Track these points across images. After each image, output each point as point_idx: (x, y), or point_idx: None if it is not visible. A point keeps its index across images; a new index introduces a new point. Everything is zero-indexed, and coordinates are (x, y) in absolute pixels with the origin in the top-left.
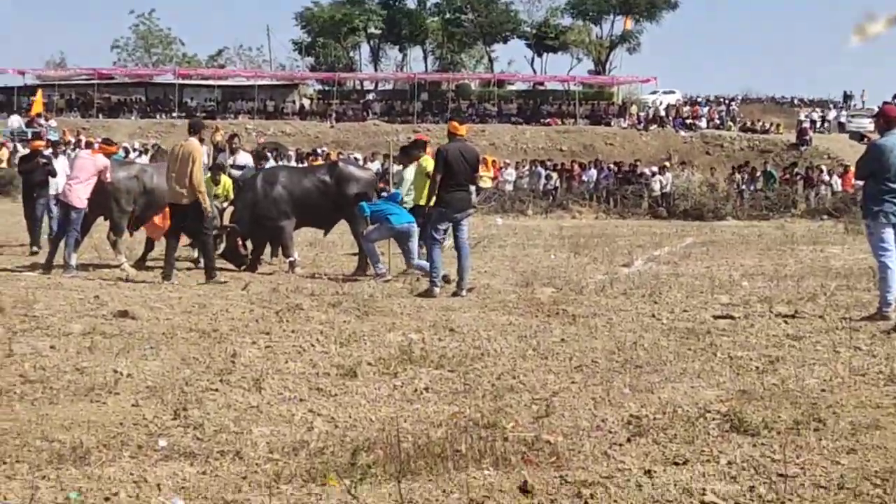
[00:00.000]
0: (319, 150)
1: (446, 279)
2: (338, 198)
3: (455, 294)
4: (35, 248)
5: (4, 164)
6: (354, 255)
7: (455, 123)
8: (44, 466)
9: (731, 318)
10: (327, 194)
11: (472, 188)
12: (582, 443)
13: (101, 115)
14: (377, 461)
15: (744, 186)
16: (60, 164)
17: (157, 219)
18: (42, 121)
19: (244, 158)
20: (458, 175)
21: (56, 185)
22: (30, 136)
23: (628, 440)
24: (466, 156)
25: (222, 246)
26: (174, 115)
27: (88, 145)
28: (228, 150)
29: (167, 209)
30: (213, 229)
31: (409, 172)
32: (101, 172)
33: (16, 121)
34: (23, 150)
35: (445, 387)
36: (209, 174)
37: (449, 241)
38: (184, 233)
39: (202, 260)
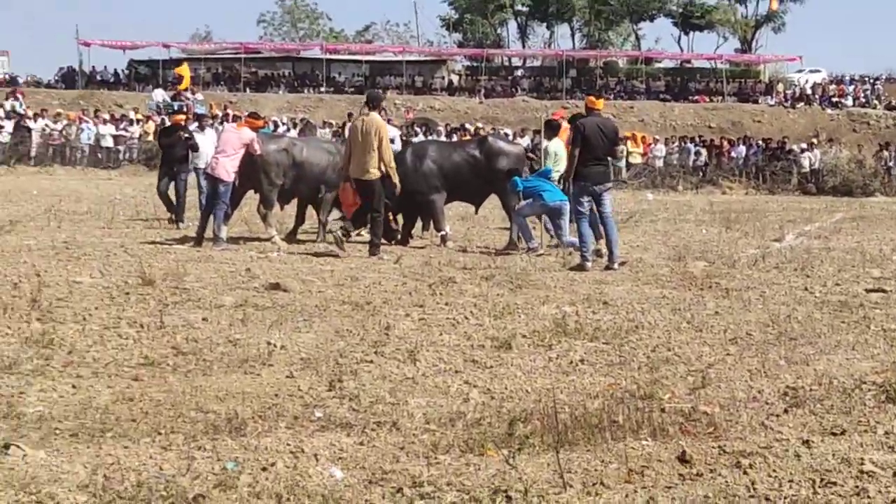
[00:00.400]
0: (468, 125)
1: (598, 253)
2: (488, 173)
3: (607, 268)
4: (182, 224)
5: (151, 138)
6: (506, 229)
7: (592, 98)
8: (200, 437)
9: (883, 291)
10: (477, 169)
11: (617, 163)
12: (739, 414)
13: (247, 90)
14: (535, 431)
15: (891, 163)
16: (208, 137)
17: (346, 199)
18: (188, 94)
19: (392, 132)
20: (595, 149)
21: (206, 157)
22: (175, 109)
23: (785, 411)
24: (604, 130)
25: None
26: (322, 90)
27: (235, 119)
28: None
29: (344, 186)
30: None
31: (555, 145)
32: (248, 146)
33: (160, 94)
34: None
35: (601, 359)
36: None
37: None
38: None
39: (365, 233)
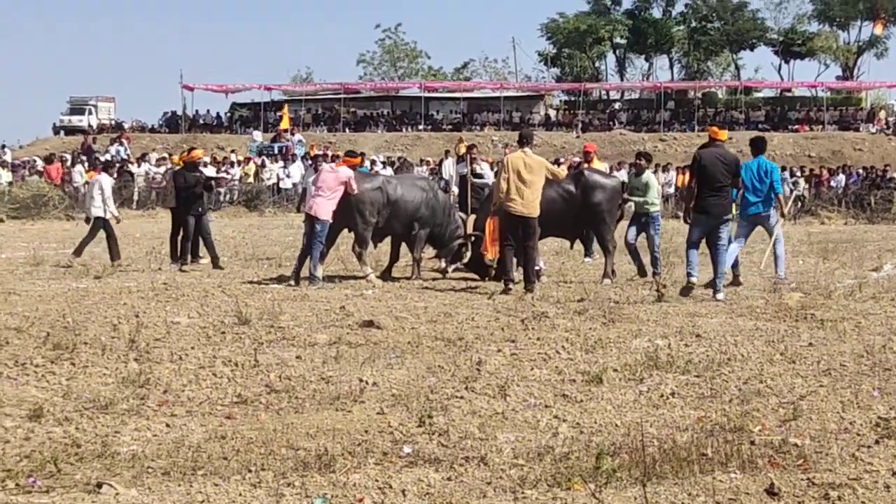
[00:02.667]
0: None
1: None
2: (583, 207)
3: (707, 287)
4: (184, 265)
5: (252, 179)
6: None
7: (715, 129)
8: (289, 474)
9: None
10: (572, 203)
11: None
12: (829, 445)
13: (347, 129)
14: (622, 465)
15: None
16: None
17: (489, 235)
18: (288, 135)
19: (483, 168)
20: (712, 180)
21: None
22: (276, 150)
23: (877, 442)
24: (725, 161)
25: (467, 255)
26: (420, 127)
27: (333, 158)
28: (468, 159)
29: (493, 223)
30: (458, 238)
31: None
32: (346, 184)
33: (259, 136)
34: (270, 166)
35: (692, 391)
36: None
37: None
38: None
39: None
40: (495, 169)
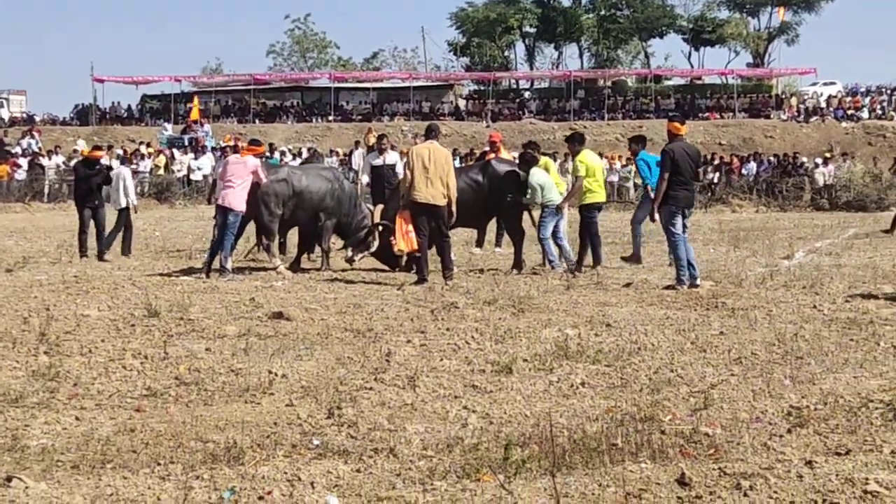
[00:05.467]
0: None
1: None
2: (490, 196)
3: (671, 286)
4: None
5: (162, 172)
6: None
7: (676, 124)
8: (198, 466)
9: (894, 307)
10: (480, 193)
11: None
12: (741, 434)
13: (257, 121)
14: (532, 456)
15: None
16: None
17: (400, 228)
18: (198, 126)
19: (393, 157)
20: (684, 173)
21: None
22: (186, 142)
23: (789, 431)
24: (690, 154)
25: (375, 244)
26: (330, 118)
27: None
28: (377, 149)
29: (403, 217)
30: (364, 228)
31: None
32: (255, 173)
33: (169, 128)
34: (180, 158)
35: (602, 381)
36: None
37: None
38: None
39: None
40: (404, 159)
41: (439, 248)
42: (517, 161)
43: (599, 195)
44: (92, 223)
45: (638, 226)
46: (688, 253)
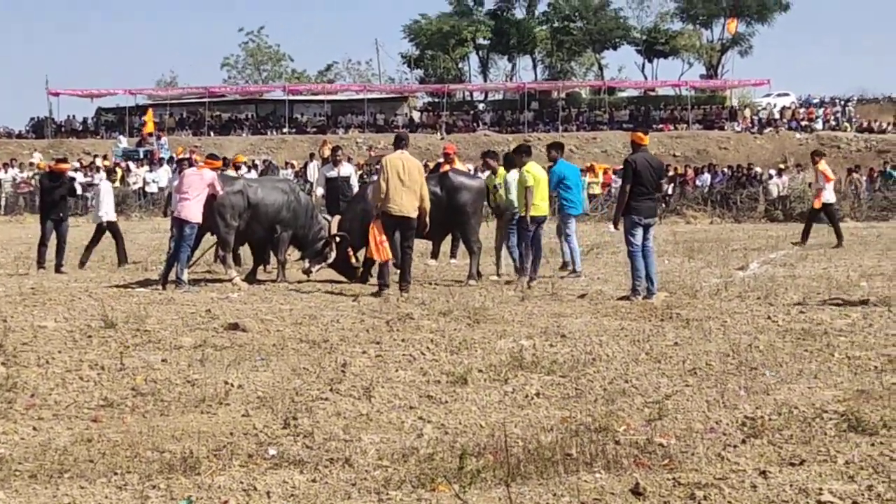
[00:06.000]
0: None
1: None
2: (449, 208)
3: (644, 298)
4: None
5: (117, 184)
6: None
7: (640, 134)
8: (154, 476)
9: (849, 318)
10: (438, 205)
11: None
12: (695, 445)
13: (212, 133)
14: (487, 466)
15: (862, 187)
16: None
17: (374, 242)
18: (153, 139)
19: (348, 170)
20: (646, 183)
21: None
22: (141, 154)
23: (743, 441)
24: (653, 164)
25: (332, 255)
26: (285, 131)
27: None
28: (332, 161)
29: (376, 227)
30: (321, 239)
31: (512, 177)
32: (211, 186)
33: (124, 141)
34: (135, 170)
35: (557, 392)
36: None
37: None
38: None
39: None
40: (359, 171)
41: (402, 260)
42: (474, 172)
43: (541, 209)
44: (54, 235)
45: (570, 238)
46: (649, 266)
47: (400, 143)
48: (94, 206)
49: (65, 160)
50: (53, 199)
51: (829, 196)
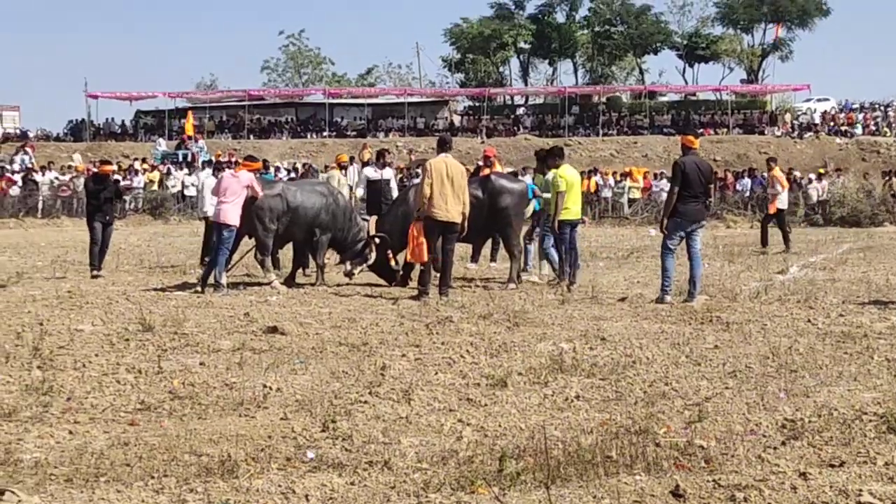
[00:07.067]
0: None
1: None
2: (490, 211)
3: (686, 301)
4: (96, 272)
5: (156, 187)
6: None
7: (690, 137)
8: (192, 480)
9: (889, 321)
10: (480, 208)
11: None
12: (735, 447)
13: (251, 136)
14: (526, 468)
15: None
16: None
17: (413, 244)
18: (192, 142)
19: (388, 173)
20: (694, 186)
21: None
22: (180, 158)
23: (783, 443)
24: (702, 168)
25: (372, 256)
26: (325, 134)
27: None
28: (381, 164)
29: (416, 228)
30: (360, 241)
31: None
32: (250, 187)
33: (163, 144)
34: (175, 173)
35: (596, 395)
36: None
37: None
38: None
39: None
40: (399, 175)
41: (443, 263)
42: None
43: (574, 212)
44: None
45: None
46: (694, 269)
47: (444, 147)
48: (199, 201)
49: (109, 162)
50: (99, 201)
51: (782, 202)
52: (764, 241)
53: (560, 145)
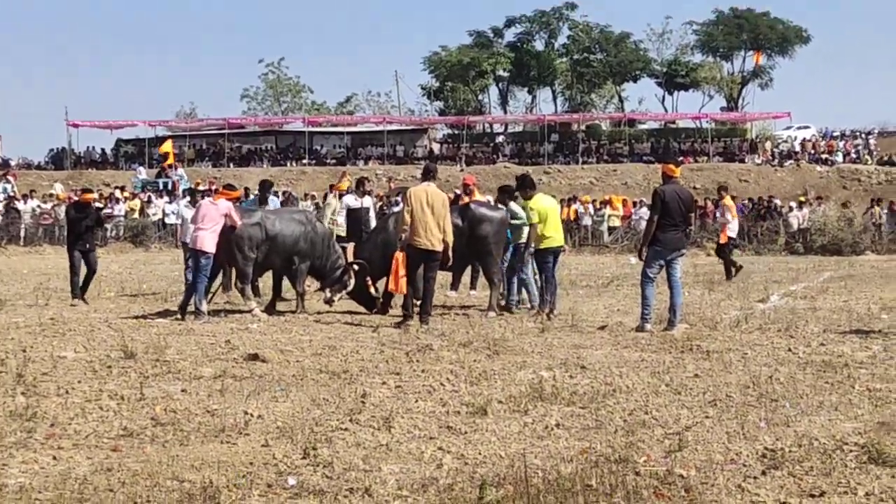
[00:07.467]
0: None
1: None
2: (470, 240)
3: (666, 330)
4: (76, 300)
5: (137, 215)
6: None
7: (671, 166)
8: None
9: (870, 350)
10: (459, 237)
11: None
12: (715, 476)
13: (231, 165)
14: (506, 496)
15: (882, 220)
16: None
17: (394, 274)
18: (171, 170)
19: (368, 201)
20: (674, 215)
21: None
22: (160, 186)
23: (763, 473)
24: (682, 196)
25: (351, 283)
26: (304, 162)
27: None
28: (360, 192)
29: (398, 257)
30: (339, 268)
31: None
32: (227, 216)
33: (143, 172)
34: (156, 201)
35: (576, 423)
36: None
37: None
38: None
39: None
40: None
41: (424, 291)
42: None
43: (554, 239)
44: (83, 265)
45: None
46: (674, 298)
47: (428, 175)
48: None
49: (90, 190)
50: (80, 229)
51: (732, 230)
52: (727, 271)
53: (528, 174)
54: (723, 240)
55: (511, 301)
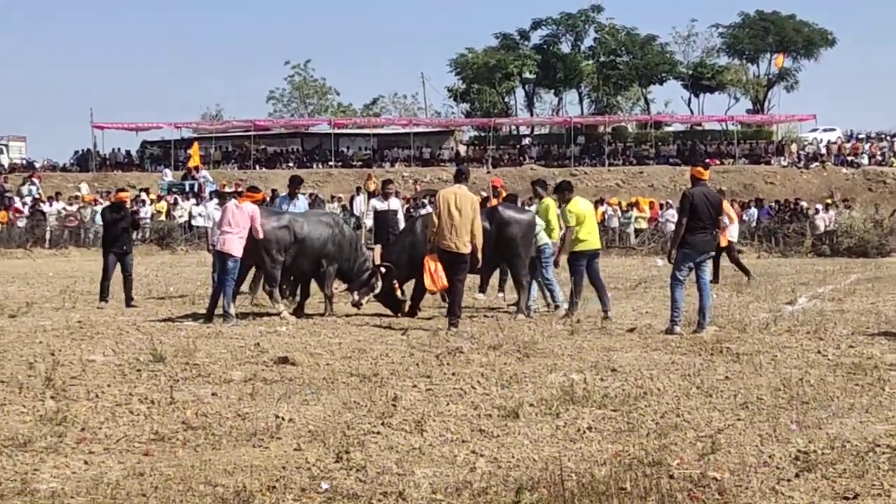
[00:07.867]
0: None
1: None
2: (498, 242)
3: (695, 332)
4: (102, 304)
5: (163, 218)
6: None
7: (700, 168)
8: None
9: None
10: (487, 239)
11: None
12: (749, 479)
13: (257, 167)
14: (541, 499)
15: None
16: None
17: (429, 273)
18: (196, 172)
19: (395, 203)
20: (703, 217)
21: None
22: (186, 188)
23: (796, 475)
24: (710, 199)
25: (378, 285)
26: (330, 164)
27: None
28: (383, 194)
29: (430, 259)
30: (366, 271)
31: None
32: (252, 219)
33: (169, 174)
34: (182, 203)
35: (609, 426)
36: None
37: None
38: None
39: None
40: (406, 205)
41: (451, 293)
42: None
43: (590, 242)
44: (118, 269)
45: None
46: (703, 300)
47: (459, 178)
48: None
49: (125, 190)
50: (116, 231)
51: (732, 234)
52: (745, 272)
53: (567, 179)
54: (723, 243)
55: (529, 304)
